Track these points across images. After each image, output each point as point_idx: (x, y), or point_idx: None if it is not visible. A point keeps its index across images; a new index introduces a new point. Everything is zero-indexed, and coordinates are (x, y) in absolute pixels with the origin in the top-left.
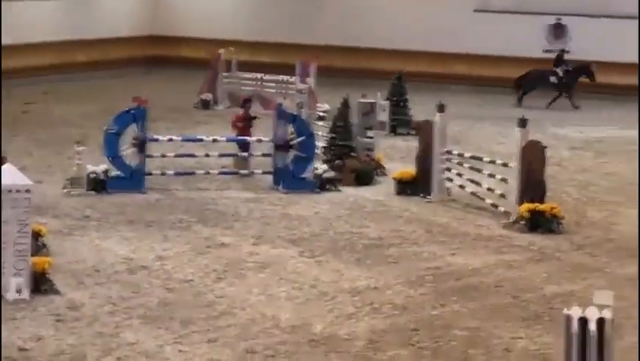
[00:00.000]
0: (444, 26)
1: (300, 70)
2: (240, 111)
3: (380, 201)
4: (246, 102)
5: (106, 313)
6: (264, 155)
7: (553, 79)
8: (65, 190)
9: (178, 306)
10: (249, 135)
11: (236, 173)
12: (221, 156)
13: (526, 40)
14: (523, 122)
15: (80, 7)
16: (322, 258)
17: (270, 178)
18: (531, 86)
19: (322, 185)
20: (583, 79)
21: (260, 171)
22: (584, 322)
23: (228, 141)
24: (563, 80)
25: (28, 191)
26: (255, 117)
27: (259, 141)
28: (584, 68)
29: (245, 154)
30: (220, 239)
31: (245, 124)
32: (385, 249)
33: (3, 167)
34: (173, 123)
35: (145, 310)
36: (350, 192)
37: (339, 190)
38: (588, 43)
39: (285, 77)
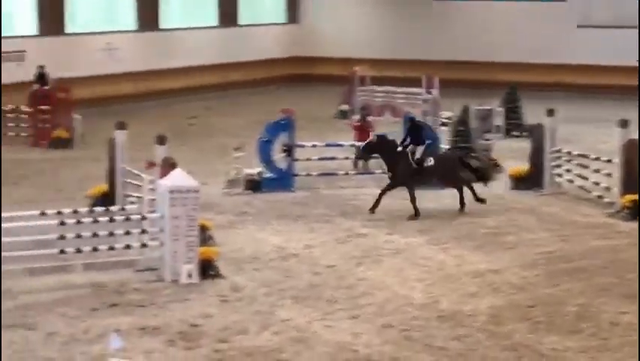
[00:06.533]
0: (552, 41)
1: (425, 83)
2: (356, 119)
3: (497, 195)
4: (363, 110)
5: (263, 294)
6: None
7: None
8: (226, 190)
9: (324, 287)
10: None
11: (372, 173)
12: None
13: (625, 50)
14: (624, 123)
15: (234, 34)
16: (447, 245)
17: None
18: None
19: None
20: None
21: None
22: None
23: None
24: None
25: (195, 191)
26: (367, 117)
27: None
28: None
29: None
30: (359, 230)
31: (361, 131)
32: (502, 236)
33: (174, 171)
34: (315, 131)
35: (296, 291)
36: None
37: None
38: None
39: (413, 89)
